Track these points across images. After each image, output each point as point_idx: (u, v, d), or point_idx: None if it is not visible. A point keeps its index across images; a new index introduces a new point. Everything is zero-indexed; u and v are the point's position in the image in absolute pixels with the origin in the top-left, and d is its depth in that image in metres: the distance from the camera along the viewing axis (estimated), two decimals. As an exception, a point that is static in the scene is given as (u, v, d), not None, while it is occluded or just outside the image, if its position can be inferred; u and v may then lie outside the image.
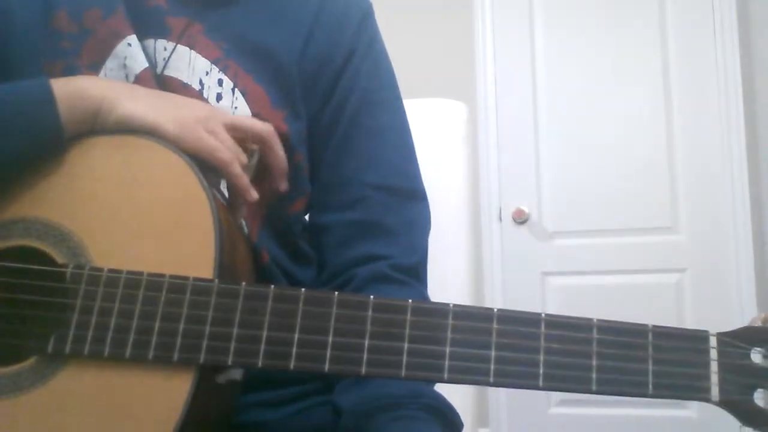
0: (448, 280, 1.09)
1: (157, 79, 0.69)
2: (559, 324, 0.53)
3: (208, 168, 0.61)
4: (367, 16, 0.80)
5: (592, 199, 2.71)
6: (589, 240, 2.70)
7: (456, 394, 1.12)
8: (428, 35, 2.92)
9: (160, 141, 0.60)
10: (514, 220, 2.77)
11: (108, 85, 0.63)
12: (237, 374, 0.62)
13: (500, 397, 2.72)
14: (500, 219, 2.79)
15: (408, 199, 0.77)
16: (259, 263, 0.68)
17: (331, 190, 0.75)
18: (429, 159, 1.15)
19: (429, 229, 0.79)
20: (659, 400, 2.65)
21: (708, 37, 2.67)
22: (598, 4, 2.78)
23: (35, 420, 0.53)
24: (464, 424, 1.15)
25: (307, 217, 0.81)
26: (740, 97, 2.60)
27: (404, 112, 0.81)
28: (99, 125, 0.61)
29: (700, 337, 0.52)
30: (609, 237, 2.68)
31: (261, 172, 0.70)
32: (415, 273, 0.75)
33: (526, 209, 2.76)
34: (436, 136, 1.15)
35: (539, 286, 2.75)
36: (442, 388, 1.15)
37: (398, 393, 0.65)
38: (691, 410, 2.55)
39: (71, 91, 0.60)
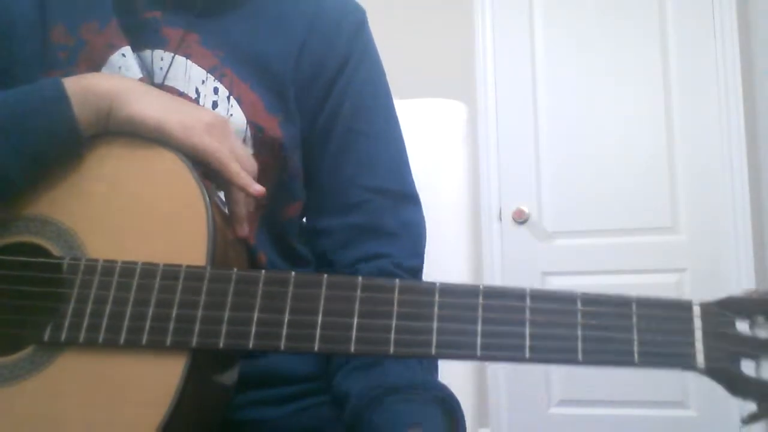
0: (448, 281, 1.09)
1: None
2: (543, 297, 0.53)
3: (207, 173, 0.62)
4: (362, 25, 0.81)
5: (592, 199, 2.71)
6: (589, 240, 2.70)
7: (456, 394, 1.12)
8: (428, 35, 2.92)
9: (155, 140, 0.62)
10: (514, 220, 2.77)
11: (119, 82, 0.63)
12: (234, 373, 0.62)
13: (500, 397, 2.72)
14: (500, 219, 2.79)
15: (404, 201, 0.79)
16: (257, 265, 0.69)
17: (330, 195, 0.77)
18: (429, 159, 1.15)
19: (426, 234, 0.81)
20: (659, 399, 2.63)
21: (708, 37, 2.67)
22: (598, 4, 2.78)
23: (31, 407, 0.54)
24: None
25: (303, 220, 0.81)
26: (740, 97, 2.60)
27: (397, 116, 0.82)
28: (112, 123, 0.62)
29: (684, 305, 0.53)
30: (609, 237, 2.68)
31: (258, 176, 0.70)
32: (418, 276, 0.77)
33: (526, 209, 2.76)
34: (436, 136, 1.15)
35: (539, 286, 2.74)
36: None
37: (403, 383, 0.65)
38: (691, 410, 2.55)
39: (84, 87, 0.61)
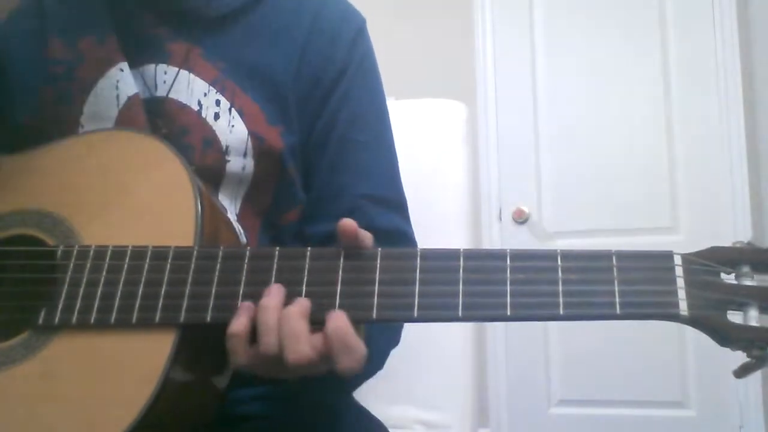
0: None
1: (147, 104, 0.71)
2: (523, 256, 0.54)
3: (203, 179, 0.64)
4: (360, 33, 0.81)
5: (592, 199, 2.71)
6: (589, 240, 2.70)
7: (456, 395, 1.13)
8: (428, 35, 2.92)
9: (142, 131, 0.64)
10: (514, 220, 2.77)
11: None
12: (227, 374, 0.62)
13: (500, 397, 2.72)
14: (500, 219, 2.79)
15: (396, 210, 0.80)
16: None
17: (323, 203, 0.77)
18: (429, 159, 1.15)
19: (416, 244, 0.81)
20: (659, 399, 2.62)
21: (708, 37, 2.67)
22: (598, 4, 2.78)
23: (25, 388, 0.56)
24: (464, 424, 1.15)
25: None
26: (740, 98, 2.60)
27: (390, 123, 0.83)
28: None
29: (664, 255, 0.53)
30: (609, 237, 2.68)
31: (258, 184, 0.73)
32: None
33: (526, 209, 2.76)
34: (436, 136, 1.15)
35: (539, 286, 2.75)
36: (442, 389, 1.15)
37: None
38: (691, 410, 2.55)
39: None
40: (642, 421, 2.57)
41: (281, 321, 0.53)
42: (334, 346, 0.52)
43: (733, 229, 2.57)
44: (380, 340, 0.71)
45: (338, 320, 0.53)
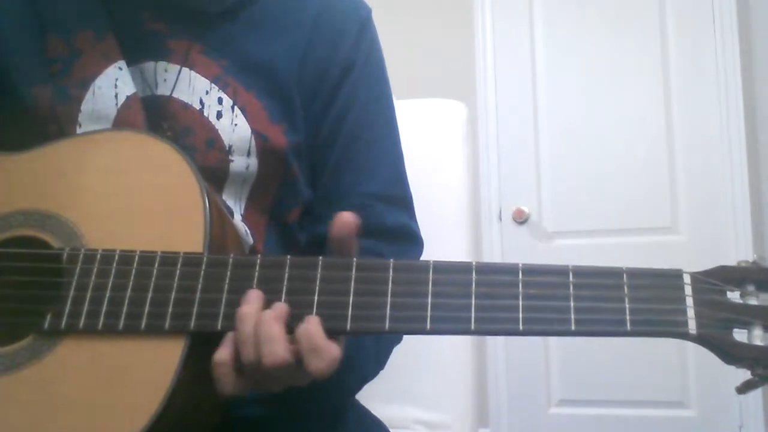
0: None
1: (146, 102, 0.70)
2: (535, 271, 0.54)
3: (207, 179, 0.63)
4: (365, 26, 0.80)
5: (592, 199, 2.71)
6: (589, 240, 2.70)
7: (456, 395, 1.13)
8: (428, 35, 2.92)
9: (149, 132, 0.62)
10: (514, 220, 2.77)
11: None
12: None
13: (500, 397, 2.72)
14: (500, 219, 2.79)
15: (401, 207, 0.79)
16: None
17: (330, 202, 0.76)
18: (429, 159, 1.15)
19: (422, 244, 0.81)
20: (659, 399, 2.61)
21: (708, 37, 2.67)
22: (598, 4, 2.78)
23: (31, 394, 0.55)
24: (464, 424, 1.15)
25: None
26: (740, 97, 2.60)
27: (396, 118, 0.82)
28: None
29: (674, 274, 0.53)
30: (609, 237, 2.68)
31: (261, 183, 0.72)
32: None
33: (526, 209, 2.76)
34: (436, 136, 1.15)
35: (539, 286, 2.74)
36: (442, 389, 1.15)
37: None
38: (691, 410, 2.55)
39: None
40: (642, 421, 2.57)
41: (256, 326, 0.53)
42: (303, 347, 0.52)
43: (733, 229, 2.57)
44: (378, 342, 0.71)
45: (308, 323, 0.53)
